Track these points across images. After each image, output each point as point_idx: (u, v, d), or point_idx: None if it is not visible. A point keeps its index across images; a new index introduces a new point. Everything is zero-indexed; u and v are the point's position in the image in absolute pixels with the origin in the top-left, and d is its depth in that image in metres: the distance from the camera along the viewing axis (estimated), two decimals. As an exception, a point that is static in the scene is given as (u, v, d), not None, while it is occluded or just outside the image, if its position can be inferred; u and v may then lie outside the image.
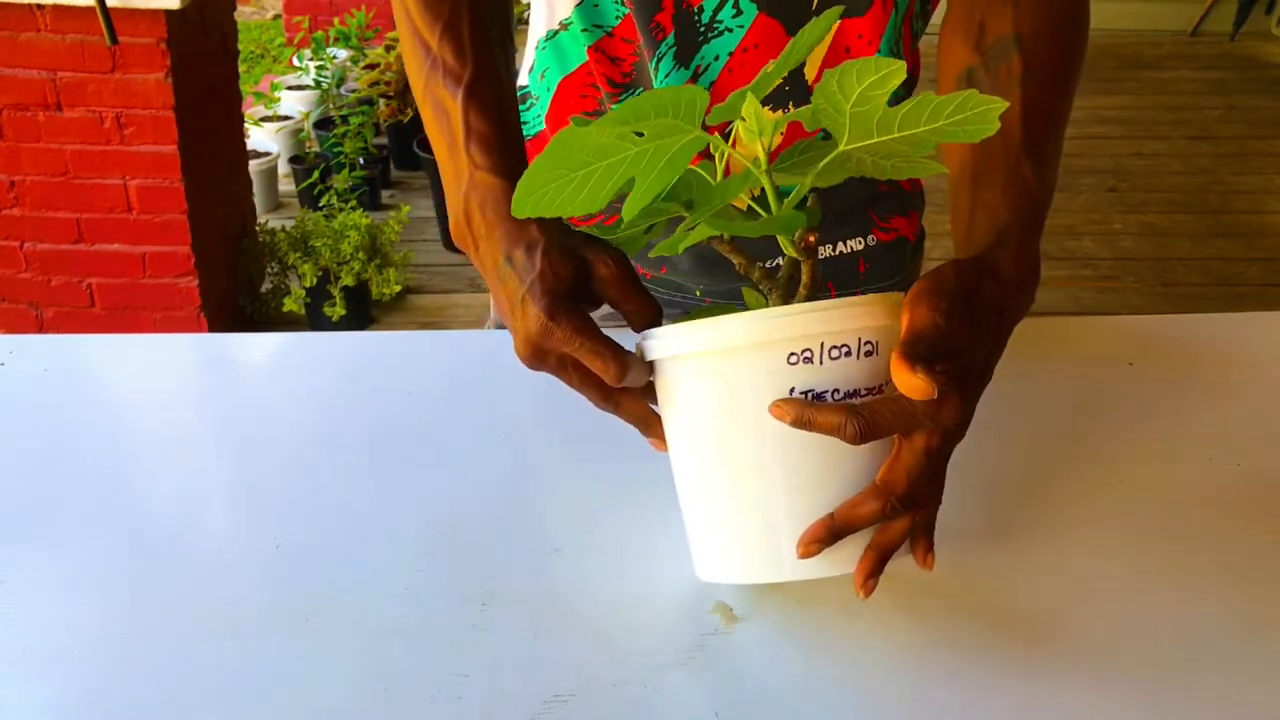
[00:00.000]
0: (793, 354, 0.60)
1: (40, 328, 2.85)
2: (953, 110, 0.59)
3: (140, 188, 2.67)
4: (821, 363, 0.60)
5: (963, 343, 0.62)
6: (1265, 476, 0.85)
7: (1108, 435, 0.90)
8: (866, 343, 0.61)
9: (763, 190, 0.64)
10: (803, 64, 0.87)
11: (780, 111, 0.90)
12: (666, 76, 0.88)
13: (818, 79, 0.88)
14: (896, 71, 0.58)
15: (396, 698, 0.65)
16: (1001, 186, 0.71)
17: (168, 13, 2.48)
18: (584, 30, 0.90)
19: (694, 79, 0.88)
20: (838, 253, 0.99)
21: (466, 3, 0.76)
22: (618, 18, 0.88)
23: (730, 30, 0.86)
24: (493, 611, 0.71)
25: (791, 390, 0.61)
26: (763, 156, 0.63)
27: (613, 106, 0.93)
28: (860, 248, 1.00)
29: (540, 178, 0.62)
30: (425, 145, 3.50)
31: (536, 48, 0.97)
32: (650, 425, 0.69)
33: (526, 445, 0.87)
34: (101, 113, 2.60)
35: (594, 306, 0.69)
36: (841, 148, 0.62)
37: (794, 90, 0.89)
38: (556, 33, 0.94)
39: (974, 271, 0.65)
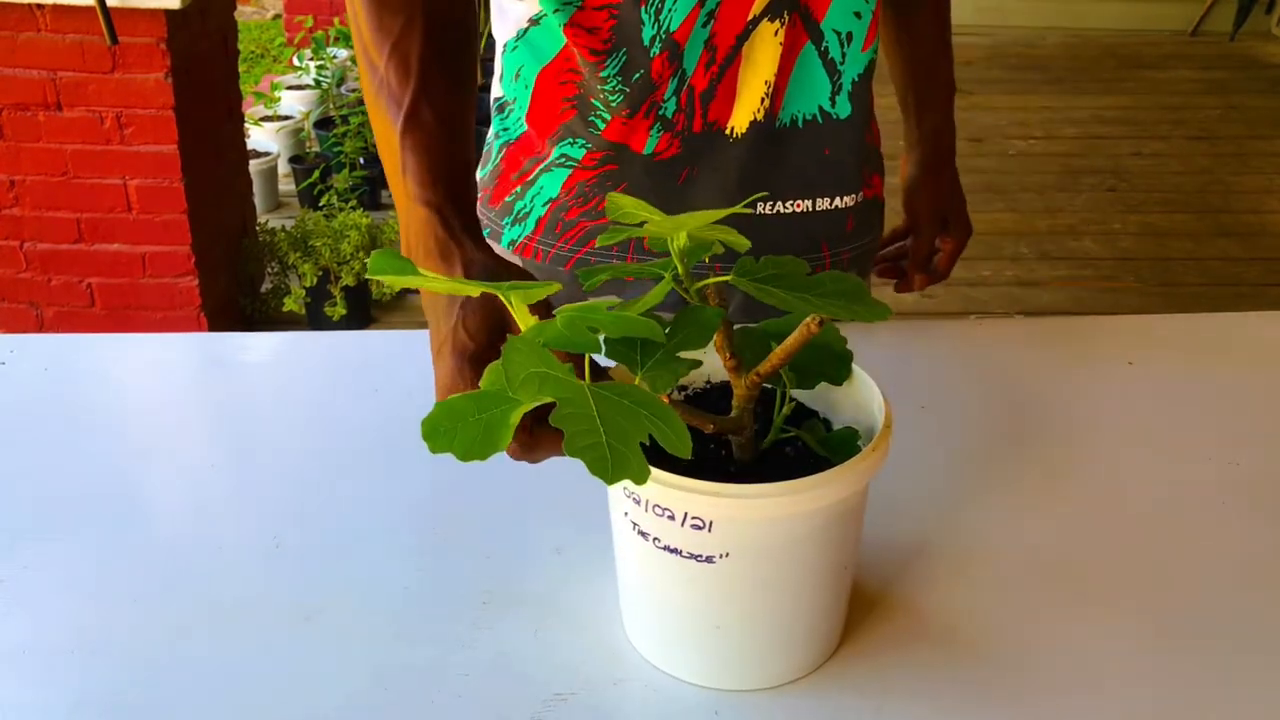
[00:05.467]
0: (626, 488, 0.62)
1: (40, 328, 2.85)
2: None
3: (140, 188, 2.67)
4: (646, 510, 0.61)
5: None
6: (1265, 476, 0.85)
7: (1107, 435, 0.90)
8: (695, 518, 0.60)
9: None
10: None
11: (777, 20, 0.88)
12: (674, 5, 0.86)
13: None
14: None
15: (396, 698, 0.65)
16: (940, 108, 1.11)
17: (168, 12, 2.48)
18: (555, 12, 0.88)
19: (700, 4, 0.86)
20: (833, 207, 0.99)
21: (420, 19, 0.72)
22: None
23: None
24: (493, 611, 0.71)
25: (625, 514, 0.63)
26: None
27: (596, 84, 0.92)
28: (852, 204, 1.00)
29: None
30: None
31: (505, 53, 0.95)
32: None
33: (526, 445, 0.87)
34: (101, 113, 2.59)
35: None
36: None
37: None
38: (526, 30, 0.93)
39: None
